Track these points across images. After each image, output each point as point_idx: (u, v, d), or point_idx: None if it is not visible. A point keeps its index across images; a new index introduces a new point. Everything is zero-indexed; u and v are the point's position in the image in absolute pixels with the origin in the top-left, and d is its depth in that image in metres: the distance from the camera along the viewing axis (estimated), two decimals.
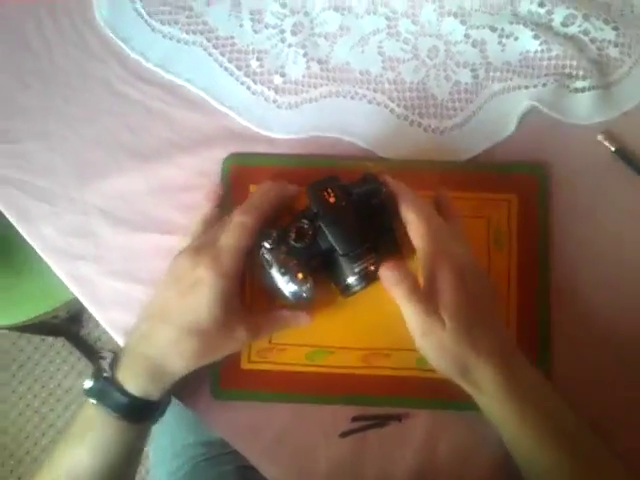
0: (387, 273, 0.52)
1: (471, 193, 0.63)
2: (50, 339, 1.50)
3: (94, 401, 0.53)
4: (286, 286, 0.54)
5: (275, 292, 0.55)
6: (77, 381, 1.50)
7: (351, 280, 0.54)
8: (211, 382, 0.61)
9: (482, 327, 0.51)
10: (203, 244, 0.54)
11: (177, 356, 0.53)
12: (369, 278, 0.54)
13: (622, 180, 0.64)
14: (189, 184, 0.64)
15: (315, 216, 0.54)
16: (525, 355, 0.55)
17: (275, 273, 0.54)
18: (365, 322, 0.61)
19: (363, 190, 0.55)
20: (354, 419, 0.60)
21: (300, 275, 0.53)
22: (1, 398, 1.50)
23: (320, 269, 0.55)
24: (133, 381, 0.53)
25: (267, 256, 0.54)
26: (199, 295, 0.52)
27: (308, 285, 0.54)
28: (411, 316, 0.51)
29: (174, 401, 0.59)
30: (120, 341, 0.63)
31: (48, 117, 0.67)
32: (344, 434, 0.60)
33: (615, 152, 0.63)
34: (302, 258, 0.54)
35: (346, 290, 0.56)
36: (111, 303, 0.63)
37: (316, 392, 0.61)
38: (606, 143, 0.64)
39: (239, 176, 0.63)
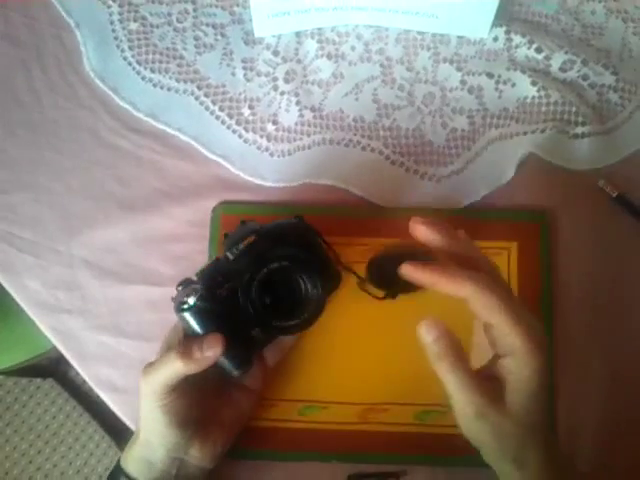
0: (424, 333, 0.50)
1: None
2: (38, 380, 1.56)
3: None
4: (179, 307, 0.55)
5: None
6: (65, 423, 1.56)
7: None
8: None
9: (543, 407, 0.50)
10: None
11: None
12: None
13: (623, 226, 0.69)
14: (178, 234, 0.70)
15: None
16: None
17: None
18: (361, 375, 0.65)
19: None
20: (350, 477, 0.63)
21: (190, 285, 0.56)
22: None
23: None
24: (124, 455, 0.59)
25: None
26: None
27: (195, 288, 0.55)
28: (459, 392, 0.48)
29: None
30: (104, 396, 0.67)
31: (36, 168, 0.73)
32: None
33: (616, 198, 0.69)
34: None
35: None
36: (97, 357, 0.68)
37: (310, 449, 0.64)
38: (607, 189, 0.69)
39: (229, 225, 0.67)
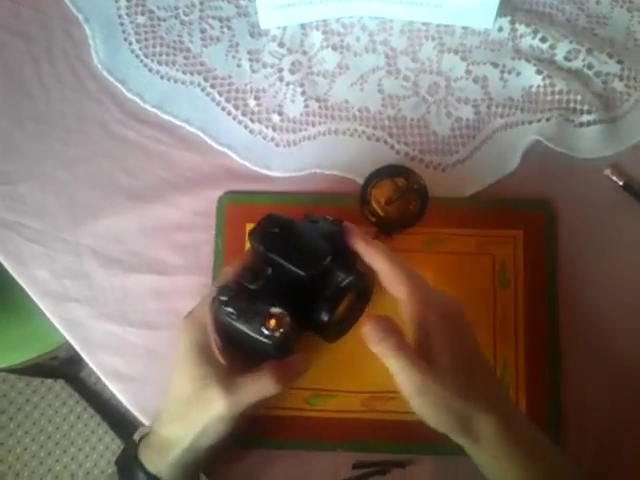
0: (368, 329, 0.52)
1: (475, 230, 0.67)
2: (49, 381, 1.56)
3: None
4: (260, 332, 0.53)
5: (254, 352, 0.55)
6: (75, 424, 1.56)
7: (324, 312, 0.55)
8: None
9: (476, 376, 0.53)
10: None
11: (169, 424, 0.57)
12: (340, 300, 0.56)
13: (631, 215, 0.68)
14: (184, 224, 0.70)
15: (265, 254, 0.56)
16: (535, 402, 0.62)
17: (244, 326, 0.53)
18: (368, 363, 0.62)
19: (307, 221, 0.58)
20: (355, 466, 0.63)
21: (272, 313, 0.53)
22: None
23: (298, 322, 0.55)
24: (144, 451, 0.58)
25: (230, 312, 0.54)
26: (176, 357, 0.56)
27: (286, 319, 0.53)
28: (401, 372, 0.51)
29: None
30: (111, 385, 0.67)
31: (44, 159, 0.73)
32: None
33: (623, 187, 0.68)
34: (268, 299, 0.54)
35: (326, 330, 0.57)
36: (103, 346, 0.68)
37: (316, 438, 0.64)
38: (614, 177, 0.68)
39: (235, 215, 0.69)
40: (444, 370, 0.51)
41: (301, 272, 0.54)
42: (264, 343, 0.53)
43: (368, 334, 0.52)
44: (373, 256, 0.56)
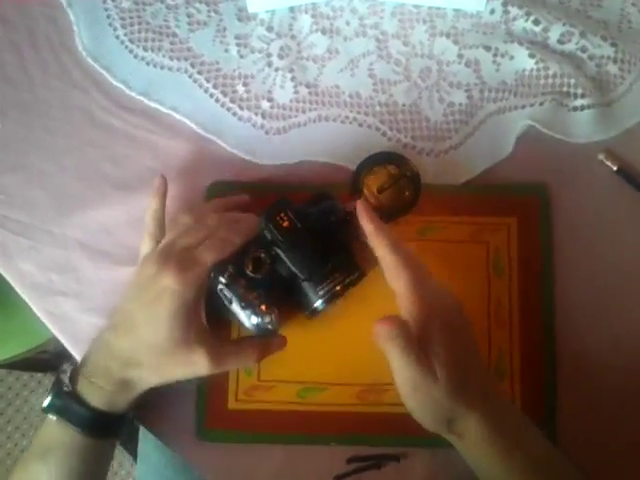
0: (382, 329, 0.52)
1: (469, 217, 0.66)
2: (39, 375, 1.55)
3: (54, 417, 0.56)
4: (249, 320, 0.56)
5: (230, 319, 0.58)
6: None
7: (317, 304, 0.57)
8: (195, 421, 0.63)
9: (470, 376, 0.53)
10: (172, 250, 0.55)
11: (137, 369, 0.55)
12: (335, 298, 0.57)
13: (625, 199, 0.67)
14: (173, 215, 0.67)
15: (270, 243, 0.57)
16: (530, 390, 0.62)
17: (236, 308, 0.56)
18: (360, 356, 0.63)
19: (319, 209, 0.58)
20: (349, 460, 0.62)
21: (263, 307, 0.56)
22: None
23: (284, 296, 0.58)
24: (96, 394, 0.56)
25: (225, 292, 0.56)
26: (160, 307, 0.53)
27: (272, 316, 0.56)
28: (403, 369, 0.51)
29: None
30: None
31: (28, 149, 0.71)
32: (339, 477, 0.62)
33: (617, 171, 0.67)
34: (263, 289, 0.56)
35: (313, 313, 0.58)
36: (91, 340, 0.66)
37: (309, 432, 0.63)
38: (608, 162, 0.67)
39: None
40: (440, 368, 0.51)
41: (301, 275, 0.57)
42: (247, 329, 0.57)
43: (381, 332, 0.52)
44: (378, 242, 0.56)
